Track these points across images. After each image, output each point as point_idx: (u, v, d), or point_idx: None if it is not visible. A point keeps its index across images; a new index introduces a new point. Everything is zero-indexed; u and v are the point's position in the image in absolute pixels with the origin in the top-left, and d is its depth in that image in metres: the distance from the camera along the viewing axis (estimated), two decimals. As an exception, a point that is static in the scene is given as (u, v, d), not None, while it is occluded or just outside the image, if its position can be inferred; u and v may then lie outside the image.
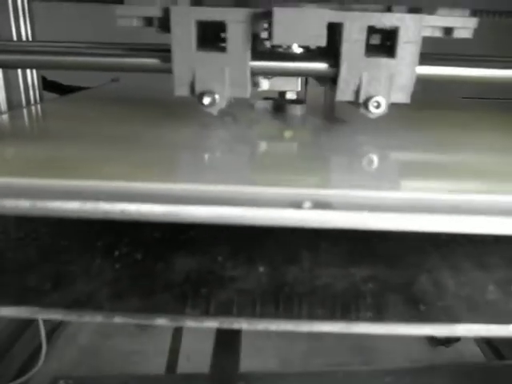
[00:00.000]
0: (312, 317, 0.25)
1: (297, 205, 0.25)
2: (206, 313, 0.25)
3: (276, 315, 0.25)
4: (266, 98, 0.54)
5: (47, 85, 0.76)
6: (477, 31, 0.35)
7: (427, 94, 0.72)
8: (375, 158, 0.37)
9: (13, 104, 0.70)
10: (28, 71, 0.71)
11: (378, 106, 0.36)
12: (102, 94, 0.69)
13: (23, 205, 0.25)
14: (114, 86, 0.77)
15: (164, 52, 0.36)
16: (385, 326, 0.25)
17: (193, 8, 0.34)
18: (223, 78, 0.36)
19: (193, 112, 0.50)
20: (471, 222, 0.25)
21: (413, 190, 0.29)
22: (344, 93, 0.36)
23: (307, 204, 0.25)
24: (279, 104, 0.53)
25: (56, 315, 0.25)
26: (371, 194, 0.27)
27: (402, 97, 0.36)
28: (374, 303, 0.26)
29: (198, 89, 0.36)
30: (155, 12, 0.34)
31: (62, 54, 0.37)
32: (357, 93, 0.36)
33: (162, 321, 0.24)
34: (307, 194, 0.27)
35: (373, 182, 0.30)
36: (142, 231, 0.32)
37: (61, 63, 0.38)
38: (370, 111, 0.36)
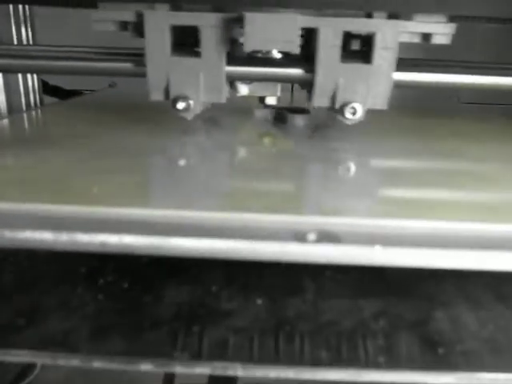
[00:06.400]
0: (316, 360, 0.22)
1: (300, 237, 0.22)
2: (198, 354, 0.22)
3: (276, 358, 0.22)
4: (267, 107, 0.51)
5: (48, 89, 0.77)
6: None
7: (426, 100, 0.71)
8: (383, 180, 0.33)
9: (13, 108, 0.71)
10: (28, 75, 0.72)
11: (355, 113, 0.35)
12: (100, 99, 0.70)
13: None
14: (112, 92, 0.77)
15: (138, 56, 0.36)
16: (400, 374, 0.21)
17: (166, 13, 0.34)
18: (198, 83, 0.35)
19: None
20: (503, 259, 0.22)
21: (431, 218, 0.24)
22: (320, 99, 0.36)
23: (312, 236, 0.22)
24: (281, 113, 0.50)
25: (24, 358, 0.22)
26: (384, 222, 0.24)
27: (379, 103, 0.36)
28: (386, 345, 0.23)
29: (172, 94, 0.36)
30: (129, 17, 0.34)
31: (41, 58, 0.38)
32: (333, 99, 0.36)
33: (147, 366, 0.22)
34: (311, 223, 0.24)
35: (383, 206, 0.27)
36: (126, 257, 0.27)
37: (37, 67, 0.38)
38: (346, 117, 0.36)
